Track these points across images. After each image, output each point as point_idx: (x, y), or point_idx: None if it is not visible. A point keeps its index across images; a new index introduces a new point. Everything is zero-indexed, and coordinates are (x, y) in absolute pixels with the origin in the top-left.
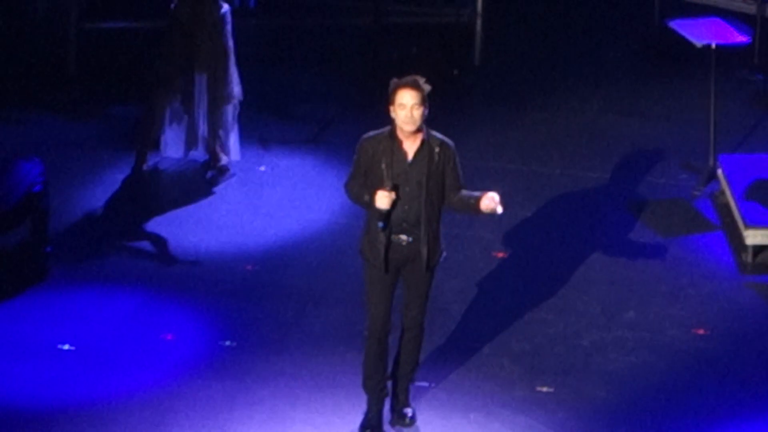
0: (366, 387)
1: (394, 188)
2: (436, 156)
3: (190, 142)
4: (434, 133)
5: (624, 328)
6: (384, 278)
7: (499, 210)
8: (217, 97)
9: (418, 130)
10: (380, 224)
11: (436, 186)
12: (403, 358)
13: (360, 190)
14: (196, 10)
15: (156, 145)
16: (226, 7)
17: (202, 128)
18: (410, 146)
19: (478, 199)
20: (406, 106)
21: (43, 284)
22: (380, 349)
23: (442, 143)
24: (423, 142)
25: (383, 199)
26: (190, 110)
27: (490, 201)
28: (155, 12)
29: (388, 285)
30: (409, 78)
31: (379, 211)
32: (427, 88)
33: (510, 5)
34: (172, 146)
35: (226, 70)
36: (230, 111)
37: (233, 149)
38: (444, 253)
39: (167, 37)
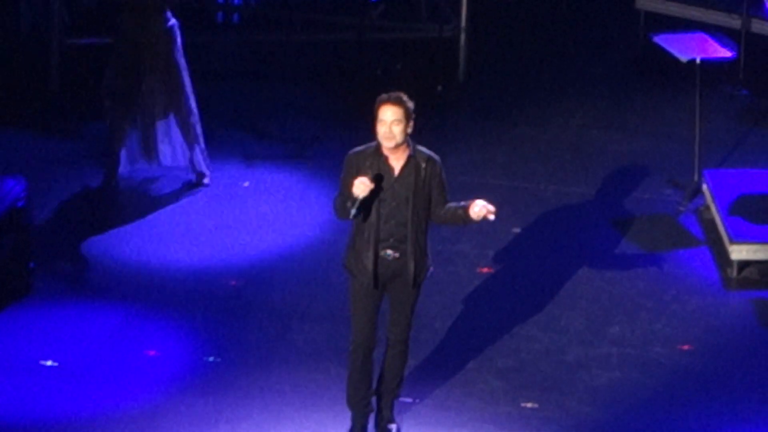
0: (350, 403)
1: (377, 178)
2: (423, 171)
3: (145, 155)
4: (421, 148)
5: (609, 343)
6: (370, 293)
7: (491, 216)
8: (178, 110)
9: (404, 146)
10: (353, 211)
11: (422, 201)
12: (388, 374)
13: (345, 203)
14: (141, 22)
15: (120, 159)
16: (173, 20)
17: (160, 141)
18: (396, 161)
19: (466, 208)
20: (386, 122)
21: (25, 300)
22: (365, 365)
23: (428, 158)
24: (409, 158)
25: (360, 186)
26: (144, 123)
27: (481, 208)
28: None
29: (374, 300)
30: (391, 94)
31: (353, 198)
32: (410, 104)
33: (494, 21)
34: (128, 159)
35: (181, 83)
36: (196, 124)
37: (202, 163)
38: (431, 269)
39: (115, 51)
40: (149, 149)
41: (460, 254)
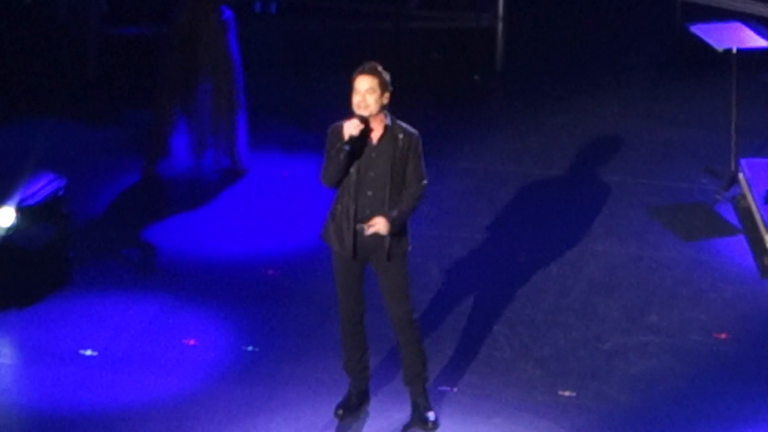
0: (346, 367)
1: (364, 121)
2: (400, 142)
3: (199, 149)
4: (399, 122)
5: (646, 332)
6: (350, 265)
7: (369, 231)
8: (228, 103)
9: (380, 117)
10: (345, 147)
11: (399, 174)
12: (408, 360)
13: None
14: (197, 15)
15: (165, 152)
16: (228, 12)
17: (211, 135)
18: (374, 133)
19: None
20: (360, 92)
21: (65, 289)
22: (353, 331)
23: (405, 131)
24: (386, 128)
25: (352, 127)
26: (197, 117)
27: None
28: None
29: (355, 271)
30: (367, 64)
31: (346, 140)
32: (385, 75)
33: (531, 10)
34: (180, 152)
35: (232, 76)
36: (241, 118)
37: (243, 156)
38: (409, 246)
39: (169, 44)
40: (202, 143)
41: (495, 242)
